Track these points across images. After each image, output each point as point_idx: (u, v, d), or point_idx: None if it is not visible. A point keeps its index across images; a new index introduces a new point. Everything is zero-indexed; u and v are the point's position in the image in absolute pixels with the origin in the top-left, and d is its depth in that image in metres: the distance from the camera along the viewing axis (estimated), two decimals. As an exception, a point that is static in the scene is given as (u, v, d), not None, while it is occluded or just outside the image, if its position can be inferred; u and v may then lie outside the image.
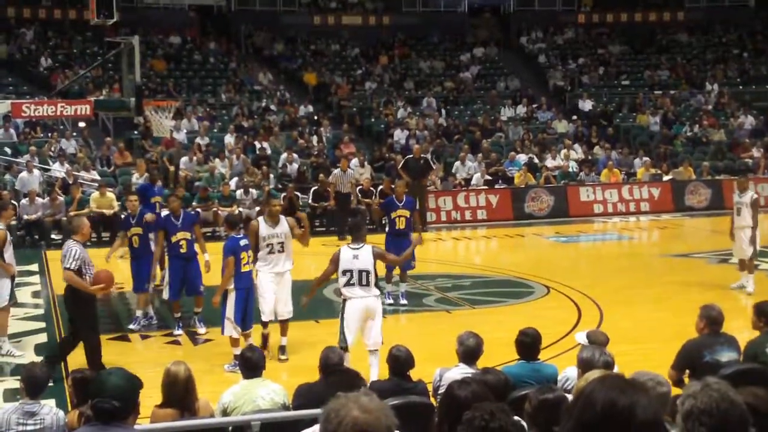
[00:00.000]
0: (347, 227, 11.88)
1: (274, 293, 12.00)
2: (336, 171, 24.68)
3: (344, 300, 10.76)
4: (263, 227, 12.04)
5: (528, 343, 8.04)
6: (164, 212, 14.47)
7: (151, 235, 14.41)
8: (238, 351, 11.11)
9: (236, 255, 11.75)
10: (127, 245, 14.63)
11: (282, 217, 12.21)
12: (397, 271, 15.69)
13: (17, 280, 13.74)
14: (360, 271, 10.63)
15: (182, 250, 13.61)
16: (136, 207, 14.57)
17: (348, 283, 10.67)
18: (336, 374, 7.57)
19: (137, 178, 19.10)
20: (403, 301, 15.77)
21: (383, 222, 25.15)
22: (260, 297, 12.04)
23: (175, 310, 13.84)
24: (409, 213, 15.87)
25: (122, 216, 16.42)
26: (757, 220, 16.23)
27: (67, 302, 11.60)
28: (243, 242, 11.97)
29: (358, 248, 10.82)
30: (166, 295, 13.98)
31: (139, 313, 14.32)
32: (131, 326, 14.12)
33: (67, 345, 11.60)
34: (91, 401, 4.42)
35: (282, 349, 12.21)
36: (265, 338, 12.19)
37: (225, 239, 13.09)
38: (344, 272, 10.69)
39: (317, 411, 4.72)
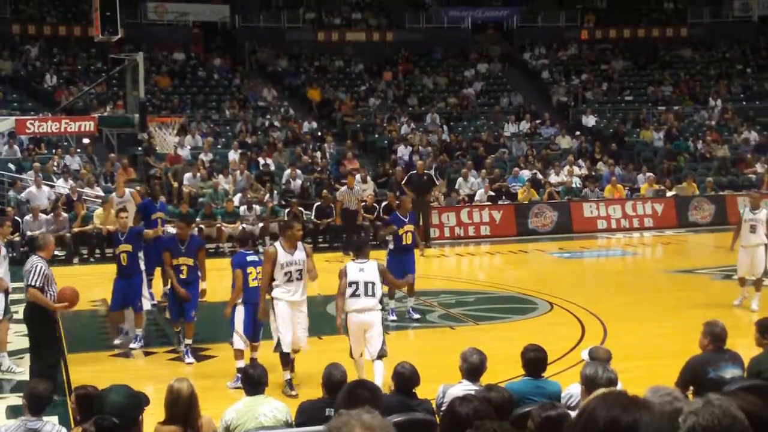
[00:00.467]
0: (353, 246, 11.75)
1: (291, 324, 11.25)
2: (343, 188, 24.65)
3: (346, 314, 10.85)
4: (282, 254, 11.19)
5: (534, 361, 8.01)
6: (170, 229, 14.34)
7: (140, 253, 14.28)
8: (241, 364, 11.07)
9: (243, 269, 11.71)
10: (116, 263, 14.28)
11: (300, 243, 11.46)
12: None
13: (19, 296, 13.70)
14: (366, 283, 10.84)
15: (182, 275, 13.15)
16: (126, 224, 14.40)
17: (354, 294, 10.80)
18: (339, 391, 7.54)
19: (118, 197, 18.72)
20: (416, 316, 15.76)
21: (387, 239, 25.27)
22: (279, 329, 11.16)
23: (177, 329, 13.78)
24: (413, 228, 15.93)
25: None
26: None
27: (26, 320, 11.47)
28: (250, 258, 11.93)
29: (363, 263, 11.05)
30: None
31: (139, 331, 14.01)
32: (132, 345, 13.89)
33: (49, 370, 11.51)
34: (93, 417, 4.42)
35: (290, 384, 11.41)
36: (291, 363, 11.47)
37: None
38: (350, 284, 10.83)
39: (320, 428, 4.71)
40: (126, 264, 14.03)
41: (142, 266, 14.31)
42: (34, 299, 11.04)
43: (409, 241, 15.78)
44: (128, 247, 14.04)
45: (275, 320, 11.17)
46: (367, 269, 10.99)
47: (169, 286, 15.06)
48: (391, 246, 16.20)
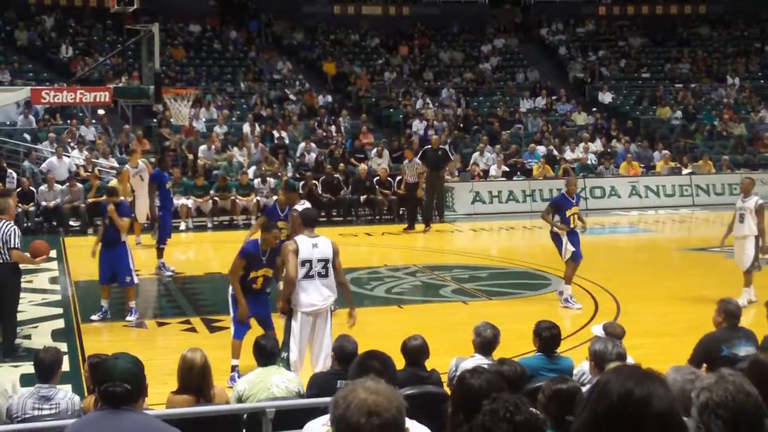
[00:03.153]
0: (306, 218, 10.44)
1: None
2: (404, 161, 24.44)
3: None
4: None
5: (547, 336, 8.00)
6: (255, 237, 11.69)
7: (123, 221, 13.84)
8: (236, 362, 10.61)
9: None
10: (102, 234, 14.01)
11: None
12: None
13: (35, 265, 13.76)
14: (320, 260, 9.87)
15: (255, 286, 10.87)
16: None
17: (307, 276, 9.81)
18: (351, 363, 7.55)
19: (132, 167, 18.88)
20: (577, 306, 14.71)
21: (401, 213, 25.36)
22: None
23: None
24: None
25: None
26: (764, 228, 14.52)
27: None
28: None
29: (316, 238, 10.02)
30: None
31: (132, 304, 13.85)
32: (129, 318, 13.71)
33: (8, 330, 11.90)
34: (99, 386, 4.42)
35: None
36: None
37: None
38: (303, 263, 9.78)
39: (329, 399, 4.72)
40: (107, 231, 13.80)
41: (123, 237, 13.90)
42: (19, 259, 11.65)
43: None
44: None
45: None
46: (321, 245, 9.96)
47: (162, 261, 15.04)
48: None
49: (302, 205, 13.42)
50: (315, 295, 9.85)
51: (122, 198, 15.15)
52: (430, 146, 25.17)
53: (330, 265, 9.90)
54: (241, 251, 10.76)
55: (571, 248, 14.54)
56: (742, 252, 14.67)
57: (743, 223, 14.61)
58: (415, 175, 23.61)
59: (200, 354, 7.28)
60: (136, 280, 14.08)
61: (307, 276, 9.81)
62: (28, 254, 11.94)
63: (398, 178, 25.48)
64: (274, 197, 22.67)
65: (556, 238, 14.82)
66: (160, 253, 17.63)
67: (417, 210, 24.04)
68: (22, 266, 12.14)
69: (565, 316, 13.91)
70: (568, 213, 14.70)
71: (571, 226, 14.69)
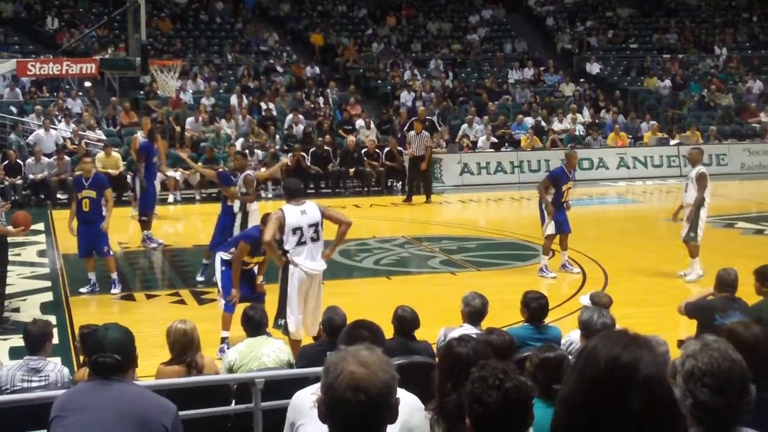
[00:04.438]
0: (289, 190, 10.31)
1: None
2: (410, 133, 24.19)
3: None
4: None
5: (536, 308, 8.04)
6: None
7: (104, 200, 13.86)
8: (226, 334, 10.68)
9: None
10: (77, 209, 13.85)
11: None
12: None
13: (23, 238, 13.78)
14: (310, 226, 9.88)
15: (245, 268, 11.02)
16: (90, 170, 14.05)
17: (299, 243, 9.82)
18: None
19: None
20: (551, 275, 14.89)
21: (389, 184, 25.39)
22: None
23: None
24: None
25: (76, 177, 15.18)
26: (702, 198, 14.40)
27: None
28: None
29: (302, 204, 10.02)
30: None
31: (114, 275, 13.87)
32: (113, 291, 13.75)
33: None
34: (89, 357, 4.43)
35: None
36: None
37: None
38: (294, 230, 9.80)
39: (320, 369, 4.74)
40: (88, 210, 13.73)
41: (104, 212, 13.87)
42: (3, 232, 11.87)
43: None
44: (92, 193, 13.73)
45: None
46: (309, 210, 9.95)
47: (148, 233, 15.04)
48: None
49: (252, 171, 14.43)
50: (309, 260, 9.90)
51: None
52: (417, 117, 25.14)
53: (320, 228, 9.96)
54: (245, 236, 10.92)
55: (552, 226, 14.65)
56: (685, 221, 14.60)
57: (687, 192, 14.69)
58: (423, 148, 23.47)
59: (189, 325, 7.31)
60: (111, 252, 14.03)
61: (300, 243, 9.85)
62: (10, 227, 11.95)
63: (386, 149, 25.45)
64: (263, 169, 22.71)
65: (542, 210, 14.90)
66: (144, 225, 17.60)
67: (418, 183, 24.07)
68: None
69: (553, 286, 13.97)
70: (564, 187, 14.80)
71: (564, 200, 14.79)
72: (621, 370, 2.51)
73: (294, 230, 9.81)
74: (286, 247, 9.82)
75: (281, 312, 9.89)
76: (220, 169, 17.03)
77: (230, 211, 14.15)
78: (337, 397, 2.84)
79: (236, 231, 13.42)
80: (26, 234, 13.48)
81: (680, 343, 6.30)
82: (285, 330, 9.84)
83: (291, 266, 9.85)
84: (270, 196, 24.30)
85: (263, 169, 24.28)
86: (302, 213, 9.90)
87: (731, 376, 3.13)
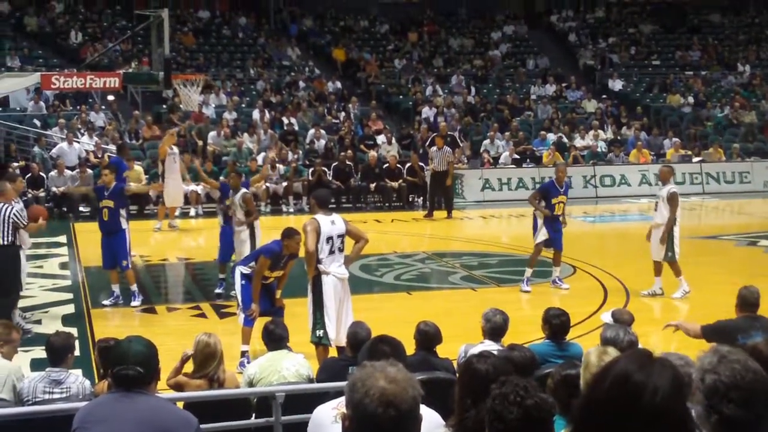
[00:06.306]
0: (319, 198, 10.54)
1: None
2: (432, 149, 24.08)
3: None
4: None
5: (557, 325, 7.99)
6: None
7: (122, 211, 14.00)
8: (246, 348, 10.73)
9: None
10: (98, 219, 14.17)
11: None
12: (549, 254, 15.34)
13: (46, 251, 13.86)
14: (339, 236, 10.11)
15: (265, 283, 11.02)
16: (111, 181, 14.12)
17: (331, 252, 10.00)
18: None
19: (170, 149, 19.97)
20: (565, 286, 15.21)
21: (410, 200, 25.38)
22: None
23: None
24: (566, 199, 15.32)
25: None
26: (674, 218, 14.34)
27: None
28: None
29: (331, 215, 10.24)
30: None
31: (134, 287, 13.94)
32: (133, 303, 13.81)
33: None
34: (112, 369, 4.44)
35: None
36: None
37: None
38: (327, 239, 9.99)
39: (342, 384, 4.74)
40: (107, 219, 13.84)
41: (124, 225, 14.01)
42: (31, 230, 12.40)
43: (560, 212, 15.18)
44: (110, 203, 13.84)
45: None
46: (337, 222, 10.19)
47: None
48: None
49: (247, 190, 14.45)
50: (338, 267, 10.09)
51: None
52: (438, 133, 25.14)
53: (344, 239, 10.18)
54: (266, 251, 10.93)
55: (545, 233, 14.83)
56: (656, 241, 14.42)
57: (657, 211, 14.55)
58: (445, 163, 23.38)
59: (213, 338, 7.35)
60: (130, 265, 14.09)
61: (331, 252, 10.02)
62: (32, 223, 12.25)
63: (407, 164, 25.45)
64: (284, 183, 22.77)
65: (535, 220, 15.14)
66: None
67: (439, 198, 24.06)
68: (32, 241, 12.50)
69: (575, 303, 13.90)
70: (554, 201, 14.96)
71: (557, 213, 14.95)
72: (629, 389, 2.41)
73: (327, 239, 9.98)
74: (321, 256, 9.94)
75: (318, 323, 10.00)
76: (222, 180, 17.46)
77: (231, 222, 14.30)
78: (368, 414, 2.83)
79: (247, 250, 13.37)
80: (47, 238, 13.65)
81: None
82: (326, 339, 9.97)
83: (323, 276, 9.96)
84: (291, 210, 24.35)
85: (284, 184, 24.45)
86: (332, 223, 10.10)
87: (756, 388, 2.99)
